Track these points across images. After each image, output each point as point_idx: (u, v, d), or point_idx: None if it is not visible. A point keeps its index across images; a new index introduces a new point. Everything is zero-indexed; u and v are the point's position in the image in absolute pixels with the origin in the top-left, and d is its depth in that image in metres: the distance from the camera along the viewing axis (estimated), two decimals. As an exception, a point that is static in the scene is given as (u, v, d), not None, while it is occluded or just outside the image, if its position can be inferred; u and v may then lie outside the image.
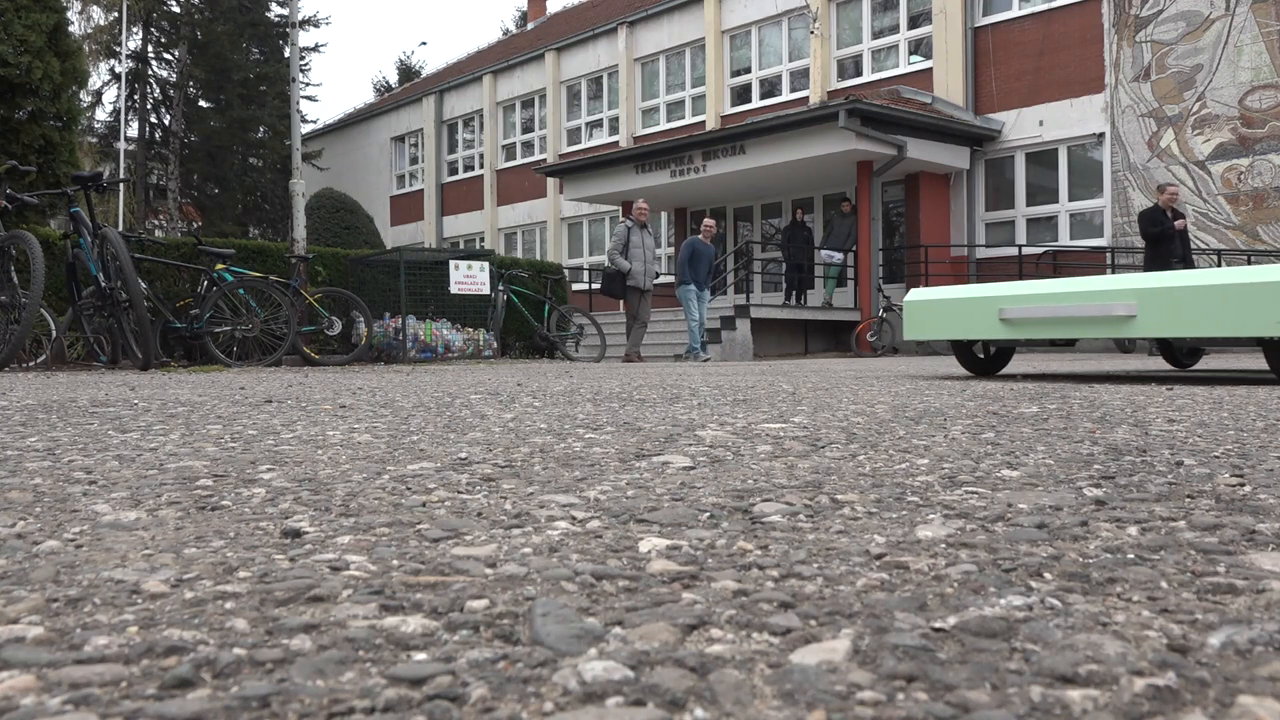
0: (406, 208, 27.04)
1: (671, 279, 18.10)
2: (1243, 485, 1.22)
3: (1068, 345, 5.32)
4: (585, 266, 19.83)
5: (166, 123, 27.16)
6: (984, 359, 5.63)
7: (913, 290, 5.24)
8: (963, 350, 5.52)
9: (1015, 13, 15.48)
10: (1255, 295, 3.88)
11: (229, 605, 0.70)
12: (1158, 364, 7.69)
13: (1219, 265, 11.55)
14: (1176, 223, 10.24)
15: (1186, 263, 10.23)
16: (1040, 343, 5.10)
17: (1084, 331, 4.45)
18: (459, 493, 1.20)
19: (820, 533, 0.95)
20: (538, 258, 20.79)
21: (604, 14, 23.16)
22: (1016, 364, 7.65)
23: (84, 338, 7.32)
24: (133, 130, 26.45)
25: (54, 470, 1.43)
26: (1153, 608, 0.68)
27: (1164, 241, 10.07)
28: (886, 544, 0.89)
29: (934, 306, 5.17)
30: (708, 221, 12.15)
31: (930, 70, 16.24)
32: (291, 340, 7.80)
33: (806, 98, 17.81)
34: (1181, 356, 6.58)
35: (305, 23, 28.09)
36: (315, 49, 29.76)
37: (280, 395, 3.44)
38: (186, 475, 1.37)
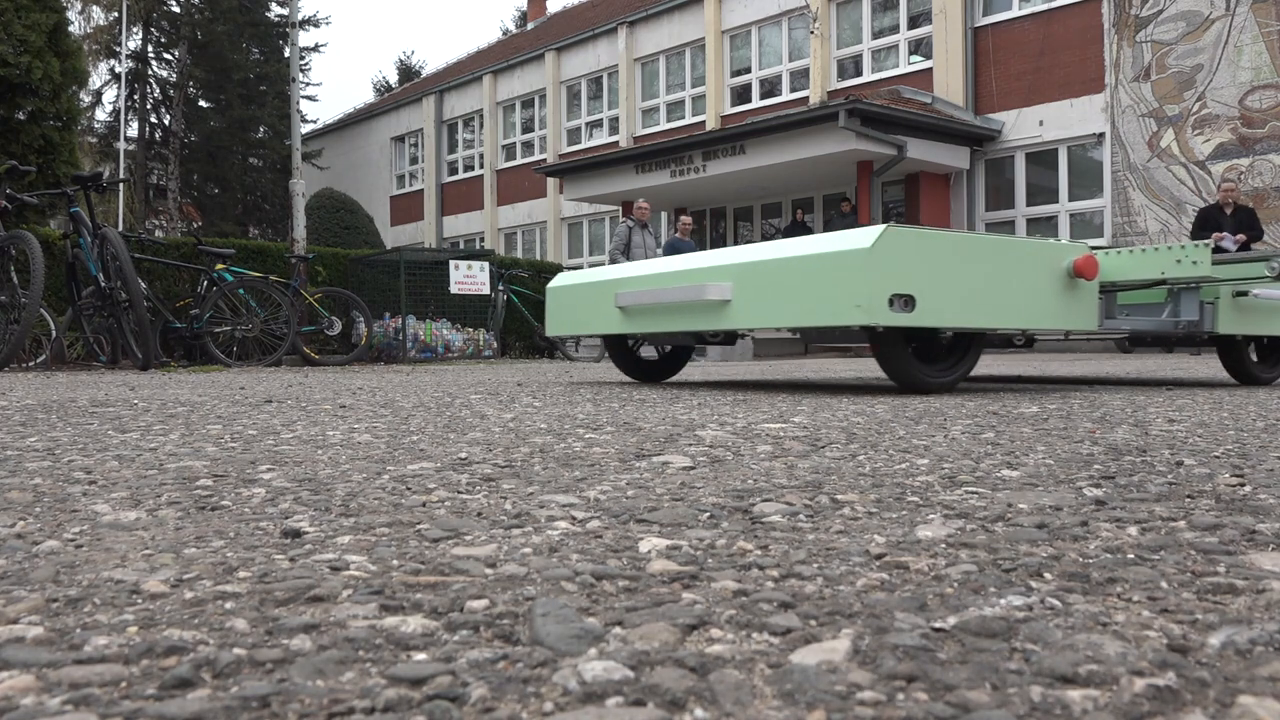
0: (406, 208, 27.04)
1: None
2: (1243, 485, 1.22)
3: (719, 343, 4.43)
4: (585, 266, 19.82)
5: (166, 123, 27.16)
6: (650, 361, 4.64)
7: (559, 275, 4.45)
8: (616, 348, 4.51)
9: (1015, 13, 15.48)
10: (831, 270, 2.93)
11: (229, 605, 0.70)
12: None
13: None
14: (1223, 191, 10.25)
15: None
16: (666, 338, 4.18)
17: (685, 322, 3.52)
18: (459, 493, 1.20)
19: (820, 533, 0.95)
20: (538, 258, 20.79)
21: (604, 14, 23.16)
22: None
23: (84, 338, 7.32)
24: (133, 130, 26.45)
25: (54, 470, 1.43)
26: (1153, 608, 0.68)
27: (1209, 235, 10.10)
28: (886, 544, 0.89)
29: (570, 294, 4.21)
30: (684, 219, 12.30)
31: (930, 70, 16.24)
32: (291, 340, 7.80)
33: (806, 98, 17.81)
34: None
35: (305, 23, 28.09)
36: (315, 49, 29.75)
37: (280, 395, 3.44)
38: (186, 475, 1.37)
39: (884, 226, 2.88)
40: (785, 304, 3.10)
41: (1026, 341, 4.06)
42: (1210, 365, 7.00)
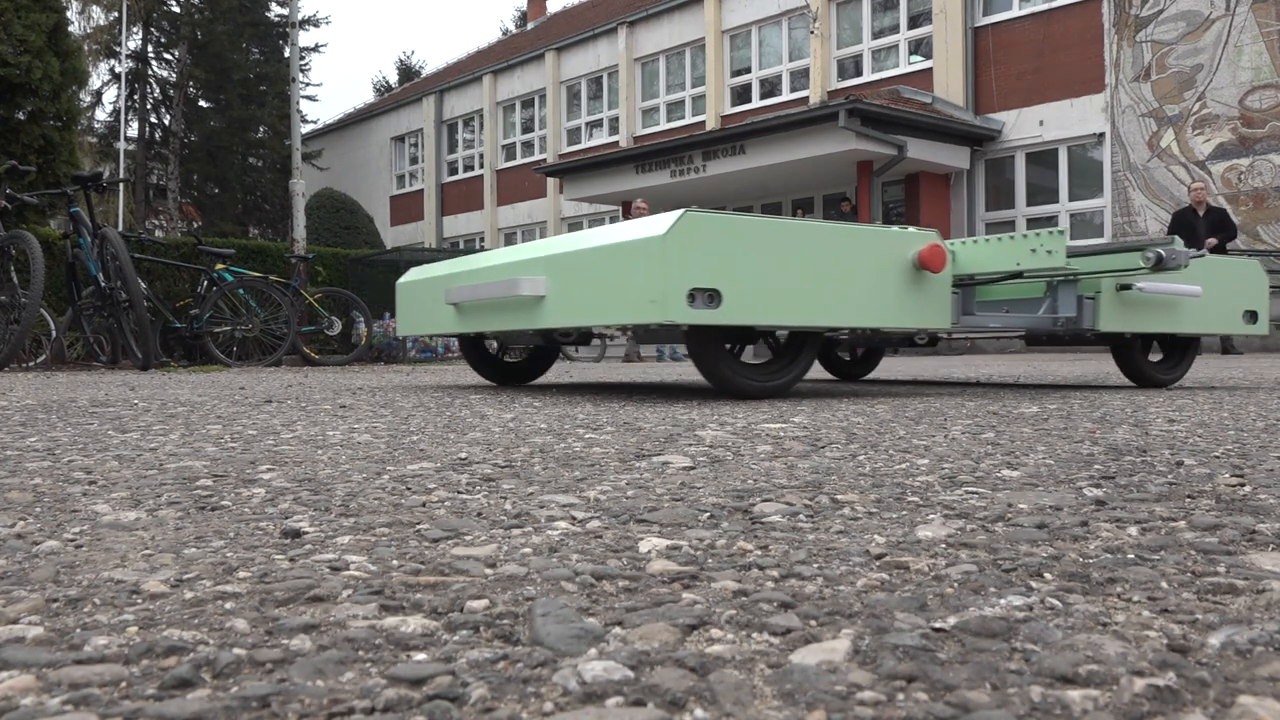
0: (406, 208, 27.03)
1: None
2: (1243, 485, 1.22)
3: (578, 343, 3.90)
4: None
5: (166, 123, 27.17)
6: (509, 361, 4.29)
7: (410, 270, 4.02)
8: (469, 348, 4.13)
9: (1015, 13, 15.49)
10: (627, 262, 2.62)
11: (229, 605, 0.70)
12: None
13: None
14: (1194, 192, 10.26)
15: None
16: (505, 337, 3.88)
17: (508, 320, 3.18)
18: (459, 493, 1.20)
19: (820, 533, 0.95)
20: (538, 258, 20.77)
21: (604, 14, 23.16)
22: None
23: (84, 338, 7.32)
24: (133, 130, 26.45)
25: (54, 470, 1.43)
26: (1153, 608, 0.68)
27: (1185, 239, 10.13)
28: (886, 544, 0.89)
29: (416, 291, 3.84)
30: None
31: (930, 70, 16.24)
32: (291, 340, 7.80)
33: (806, 98, 17.81)
34: (848, 362, 4.96)
35: (305, 23, 28.09)
36: (315, 49, 29.75)
37: (280, 395, 3.44)
38: (186, 475, 1.37)
39: (682, 212, 2.57)
40: (592, 299, 2.78)
41: (930, 340, 3.77)
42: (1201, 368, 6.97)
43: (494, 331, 3.45)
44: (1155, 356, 4.17)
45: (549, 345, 4.06)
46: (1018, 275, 3.25)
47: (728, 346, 3.06)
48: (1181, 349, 4.04)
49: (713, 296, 2.59)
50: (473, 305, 3.36)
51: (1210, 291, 3.73)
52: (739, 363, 2.97)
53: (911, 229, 2.98)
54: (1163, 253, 3.35)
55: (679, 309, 2.53)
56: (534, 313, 3.02)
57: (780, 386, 3.01)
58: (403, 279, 4.01)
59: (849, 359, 4.99)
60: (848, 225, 2.86)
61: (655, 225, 2.57)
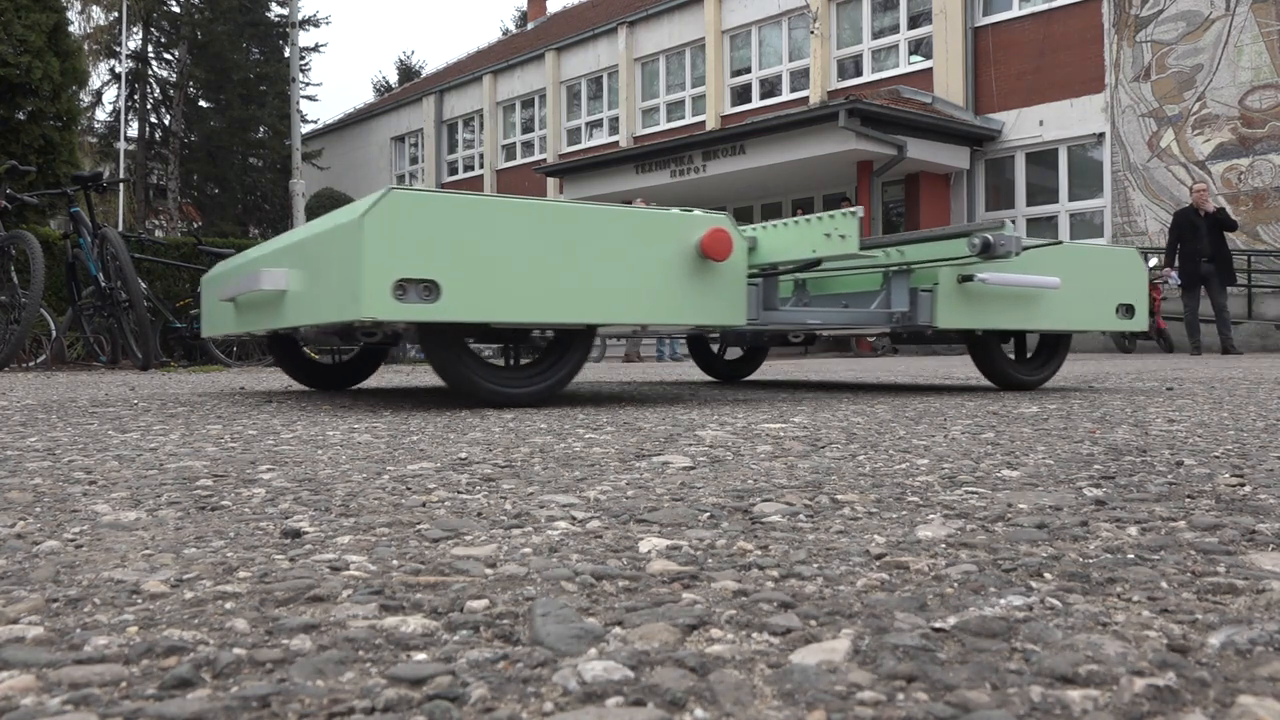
0: (406, 208, 27.02)
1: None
2: (1243, 485, 1.22)
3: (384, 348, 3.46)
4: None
5: (166, 123, 27.17)
6: (326, 363, 3.91)
7: (219, 263, 3.57)
8: (277, 348, 3.66)
9: (1015, 13, 15.49)
10: (331, 251, 2.33)
11: (229, 605, 0.70)
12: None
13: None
14: (1196, 193, 10.28)
15: (1219, 264, 10.07)
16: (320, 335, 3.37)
17: (263, 318, 2.77)
18: (459, 493, 1.20)
19: (820, 533, 0.95)
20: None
21: (604, 14, 23.16)
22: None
23: (84, 338, 7.32)
24: (133, 130, 26.45)
25: (54, 470, 1.43)
26: (1153, 608, 0.68)
27: (1186, 239, 10.11)
28: (886, 544, 0.89)
29: (215, 286, 3.40)
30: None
31: (930, 70, 16.24)
32: (291, 340, 7.79)
33: (806, 98, 17.81)
34: (726, 362, 4.63)
35: (305, 23, 28.10)
36: (315, 49, 29.77)
37: (280, 395, 3.44)
38: (186, 475, 1.37)
39: (385, 190, 2.26)
40: (318, 294, 2.41)
41: (805, 339, 3.45)
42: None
43: (258, 331, 3.02)
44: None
45: (371, 346, 3.61)
46: (816, 264, 2.94)
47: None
48: (1050, 347, 3.75)
49: (429, 289, 2.27)
50: (243, 302, 2.95)
51: (1074, 284, 3.38)
52: (486, 365, 2.62)
53: (697, 211, 2.62)
54: (990, 238, 2.97)
55: (382, 304, 2.20)
56: (278, 310, 2.64)
57: (538, 393, 2.64)
58: (207, 274, 3.58)
59: (723, 357, 4.64)
60: (607, 207, 2.51)
61: (356, 208, 2.27)
